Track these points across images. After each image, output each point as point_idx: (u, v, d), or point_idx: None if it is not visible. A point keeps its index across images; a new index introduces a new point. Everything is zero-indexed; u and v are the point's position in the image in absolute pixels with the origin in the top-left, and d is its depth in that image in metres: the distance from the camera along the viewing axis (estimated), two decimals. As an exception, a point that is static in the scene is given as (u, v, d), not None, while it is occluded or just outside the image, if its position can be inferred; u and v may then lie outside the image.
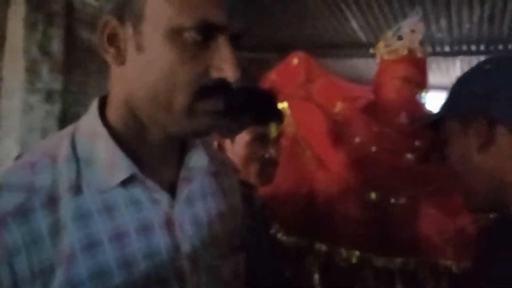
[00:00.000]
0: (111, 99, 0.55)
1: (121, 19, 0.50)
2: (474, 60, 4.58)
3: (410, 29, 1.55)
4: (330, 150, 1.36)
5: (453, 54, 4.14)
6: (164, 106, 0.51)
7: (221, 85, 0.51)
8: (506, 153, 0.67)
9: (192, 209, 0.58)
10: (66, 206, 0.49)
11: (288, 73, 1.57)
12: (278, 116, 1.05)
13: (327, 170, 1.36)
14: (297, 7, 3.29)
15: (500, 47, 4.10)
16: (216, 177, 0.66)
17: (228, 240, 0.63)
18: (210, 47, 0.50)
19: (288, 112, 1.41)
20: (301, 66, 1.57)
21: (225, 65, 0.50)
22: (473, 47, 4.12)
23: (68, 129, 0.56)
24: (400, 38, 1.54)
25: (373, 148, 1.32)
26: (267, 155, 1.02)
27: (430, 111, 1.58)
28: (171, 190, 0.56)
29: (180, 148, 0.61)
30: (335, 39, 3.95)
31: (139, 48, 0.50)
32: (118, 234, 0.51)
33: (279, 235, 1.32)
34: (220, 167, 0.68)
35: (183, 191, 0.57)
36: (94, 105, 0.56)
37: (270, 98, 1.06)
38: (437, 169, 1.33)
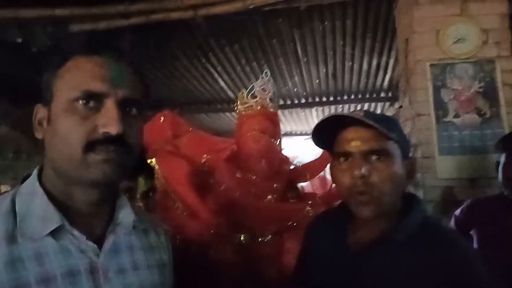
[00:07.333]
0: (45, 165, 0.68)
1: (43, 103, 0.66)
2: (327, 109, 5.30)
3: (261, 88, 1.79)
4: (198, 199, 1.44)
5: (308, 105, 4.73)
6: (67, 160, 0.62)
7: (107, 139, 0.61)
8: None
9: (117, 259, 0.67)
10: (0, 253, 0.57)
11: (156, 130, 1.63)
12: (146, 171, 1.09)
13: (198, 219, 1.43)
14: (168, 69, 3.47)
15: (345, 97, 4.83)
16: (146, 233, 0.77)
17: None
18: (100, 110, 0.63)
19: (156, 167, 1.46)
20: (167, 123, 1.66)
21: (107, 122, 0.61)
22: (324, 98, 4.78)
23: (12, 190, 0.67)
24: (254, 96, 1.75)
25: (238, 193, 1.44)
26: None
27: (287, 156, 1.80)
28: (101, 242, 0.66)
29: (111, 207, 0.72)
30: (205, 96, 4.22)
31: (49, 122, 0.65)
32: (46, 278, 0.58)
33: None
34: (150, 225, 0.79)
35: (108, 243, 0.67)
36: (35, 171, 0.68)
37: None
38: (293, 205, 1.51)
